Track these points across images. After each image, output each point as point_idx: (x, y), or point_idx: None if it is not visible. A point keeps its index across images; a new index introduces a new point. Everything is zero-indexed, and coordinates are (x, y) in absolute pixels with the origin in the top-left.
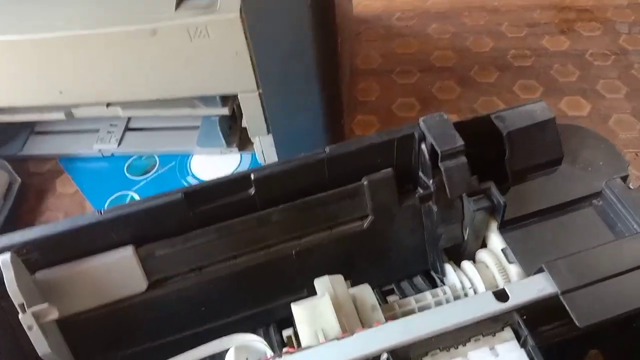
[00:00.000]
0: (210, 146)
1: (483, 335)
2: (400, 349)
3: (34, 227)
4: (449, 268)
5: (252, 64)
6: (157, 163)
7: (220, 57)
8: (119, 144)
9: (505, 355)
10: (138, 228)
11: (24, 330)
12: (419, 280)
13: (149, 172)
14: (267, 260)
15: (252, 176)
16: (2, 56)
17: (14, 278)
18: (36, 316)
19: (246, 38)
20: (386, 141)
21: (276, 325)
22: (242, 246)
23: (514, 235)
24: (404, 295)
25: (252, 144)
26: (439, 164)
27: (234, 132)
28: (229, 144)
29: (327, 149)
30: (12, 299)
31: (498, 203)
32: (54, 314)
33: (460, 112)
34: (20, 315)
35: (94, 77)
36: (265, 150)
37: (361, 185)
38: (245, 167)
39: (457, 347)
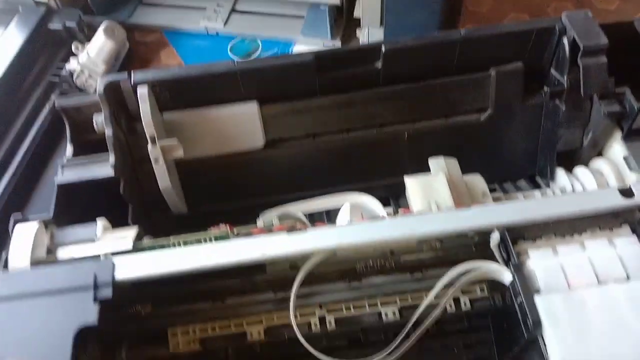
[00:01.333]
0: (314, 36)
1: (600, 229)
2: (517, 228)
3: (169, 67)
4: (560, 172)
5: None
6: (260, 47)
7: None
8: (225, 24)
9: (624, 248)
10: (265, 86)
11: (146, 166)
12: (522, 183)
13: (252, 54)
14: (379, 138)
15: (383, 48)
16: None
17: (149, 110)
18: (163, 151)
19: None
20: (525, 30)
21: None
22: (357, 120)
23: (638, 146)
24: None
25: (355, 39)
26: (578, 60)
27: (338, 25)
28: (333, 36)
29: (463, 31)
30: (145, 131)
31: (631, 109)
32: (180, 152)
33: None
34: (150, 147)
35: None
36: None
37: (488, 76)
38: None
39: (573, 236)
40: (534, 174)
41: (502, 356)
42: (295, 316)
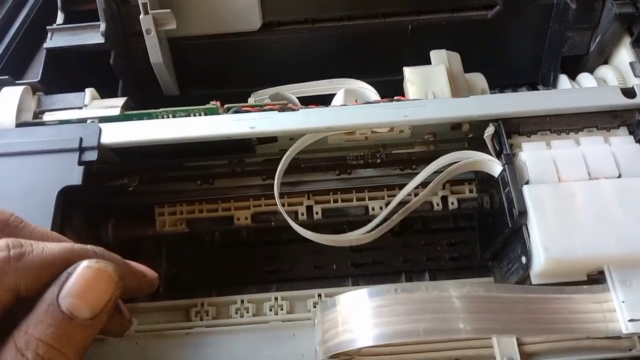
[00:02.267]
0: None
1: (597, 128)
2: (512, 120)
3: None
4: (563, 79)
5: None
6: None
7: None
8: None
9: (618, 146)
10: None
11: (137, 42)
12: (524, 90)
13: None
14: (381, 29)
15: None
16: None
17: None
18: (156, 21)
19: None
20: None
21: None
22: (360, 7)
23: None
24: None
25: None
26: None
27: None
28: None
29: None
30: None
31: None
32: (172, 23)
33: None
34: (142, 16)
35: None
36: None
37: None
38: None
39: (569, 133)
40: (537, 82)
41: (484, 253)
42: (282, 204)
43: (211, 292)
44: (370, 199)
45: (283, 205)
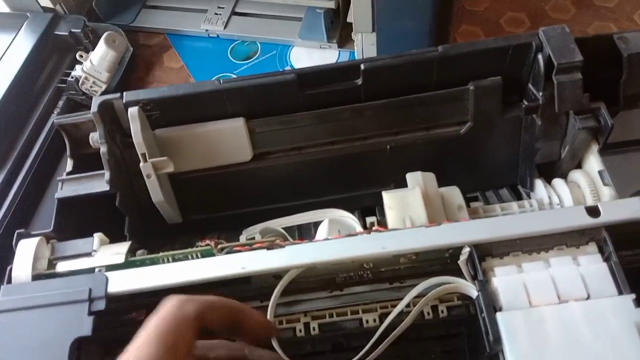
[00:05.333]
0: (311, 39)
1: (567, 246)
2: (484, 245)
3: (159, 87)
4: (539, 183)
5: None
6: (259, 50)
7: None
8: (225, 27)
9: (587, 266)
10: (250, 102)
11: (140, 179)
12: (504, 192)
13: (251, 58)
14: (362, 150)
15: (362, 66)
16: None
17: (139, 129)
18: (155, 167)
19: None
20: (502, 47)
21: (361, 212)
22: (341, 134)
23: (613, 160)
24: (487, 203)
25: (352, 41)
26: (553, 77)
27: (335, 28)
28: (329, 38)
29: (440, 48)
30: (137, 149)
31: (605, 124)
32: (170, 167)
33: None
34: (142, 164)
35: None
36: (365, 49)
37: (466, 90)
38: None
39: (540, 253)
40: (516, 183)
41: None
42: (281, 322)
43: None
44: (363, 311)
45: (281, 323)
